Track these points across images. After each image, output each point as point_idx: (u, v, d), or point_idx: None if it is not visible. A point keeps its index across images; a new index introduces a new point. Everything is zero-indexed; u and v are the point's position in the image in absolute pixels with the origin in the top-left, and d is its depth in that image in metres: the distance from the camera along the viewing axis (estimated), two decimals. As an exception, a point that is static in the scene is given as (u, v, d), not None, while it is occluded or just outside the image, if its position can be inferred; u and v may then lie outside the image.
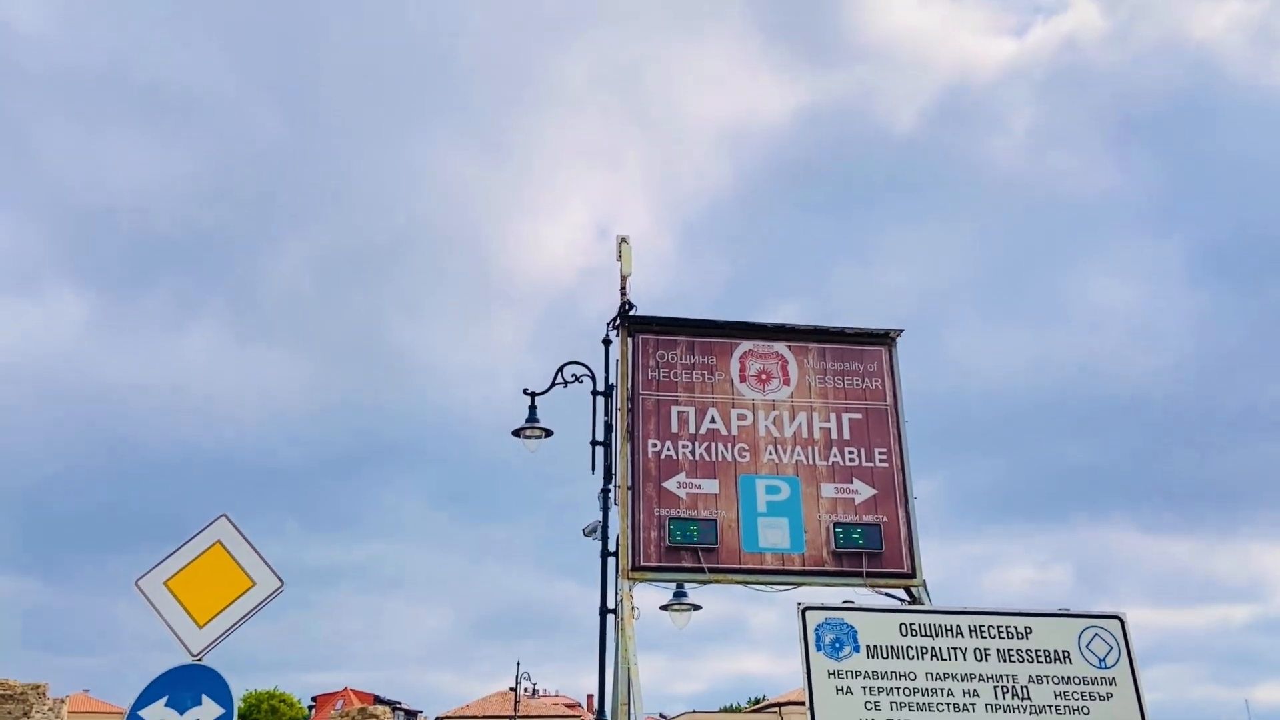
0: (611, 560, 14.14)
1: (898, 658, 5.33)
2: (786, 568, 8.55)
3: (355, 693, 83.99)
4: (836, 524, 8.64)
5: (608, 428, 14.45)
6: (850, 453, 8.98)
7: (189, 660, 5.94)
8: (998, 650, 5.55)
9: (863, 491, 8.84)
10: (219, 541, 6.23)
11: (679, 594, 14.35)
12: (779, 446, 8.95)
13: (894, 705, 5.19)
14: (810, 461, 8.92)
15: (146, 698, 5.85)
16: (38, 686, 63.58)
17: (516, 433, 14.35)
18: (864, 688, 5.23)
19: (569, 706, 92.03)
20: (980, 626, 5.53)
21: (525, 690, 55.99)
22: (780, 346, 9.28)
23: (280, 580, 6.17)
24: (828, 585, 8.54)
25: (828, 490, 8.83)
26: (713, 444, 8.91)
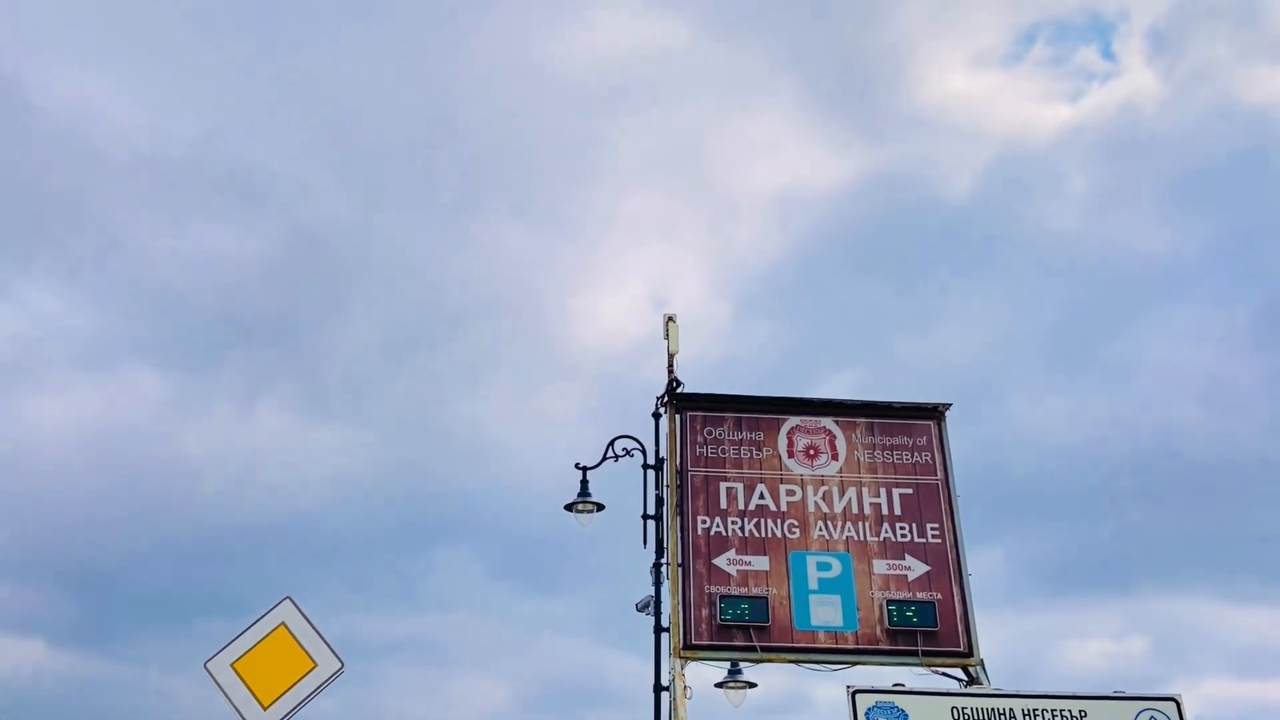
0: (664, 636, 14.09)
1: (952, 743, 5.29)
2: (840, 646, 8.50)
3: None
4: (890, 601, 8.58)
5: (659, 501, 14.51)
6: (902, 528, 8.96)
7: (253, 742, 6.10)
8: (1054, 734, 5.47)
9: (916, 568, 8.79)
10: (283, 624, 6.43)
11: (733, 671, 14.20)
12: (829, 522, 8.97)
13: (949, 792, 5.15)
14: (861, 538, 8.91)
15: (212, 778, 6.01)
16: (99, 761, 63.78)
17: (569, 507, 14.49)
18: (917, 773, 5.20)
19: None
20: (1034, 710, 5.45)
21: (580, 766, 54.93)
22: (827, 422, 9.35)
23: (341, 662, 6.33)
24: (882, 665, 8.45)
25: (880, 566, 8.80)
26: (762, 520, 8.96)
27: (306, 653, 6.33)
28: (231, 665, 6.30)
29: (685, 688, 8.28)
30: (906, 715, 5.29)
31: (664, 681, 13.72)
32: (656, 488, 14.55)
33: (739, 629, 8.45)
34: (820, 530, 8.95)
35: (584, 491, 14.57)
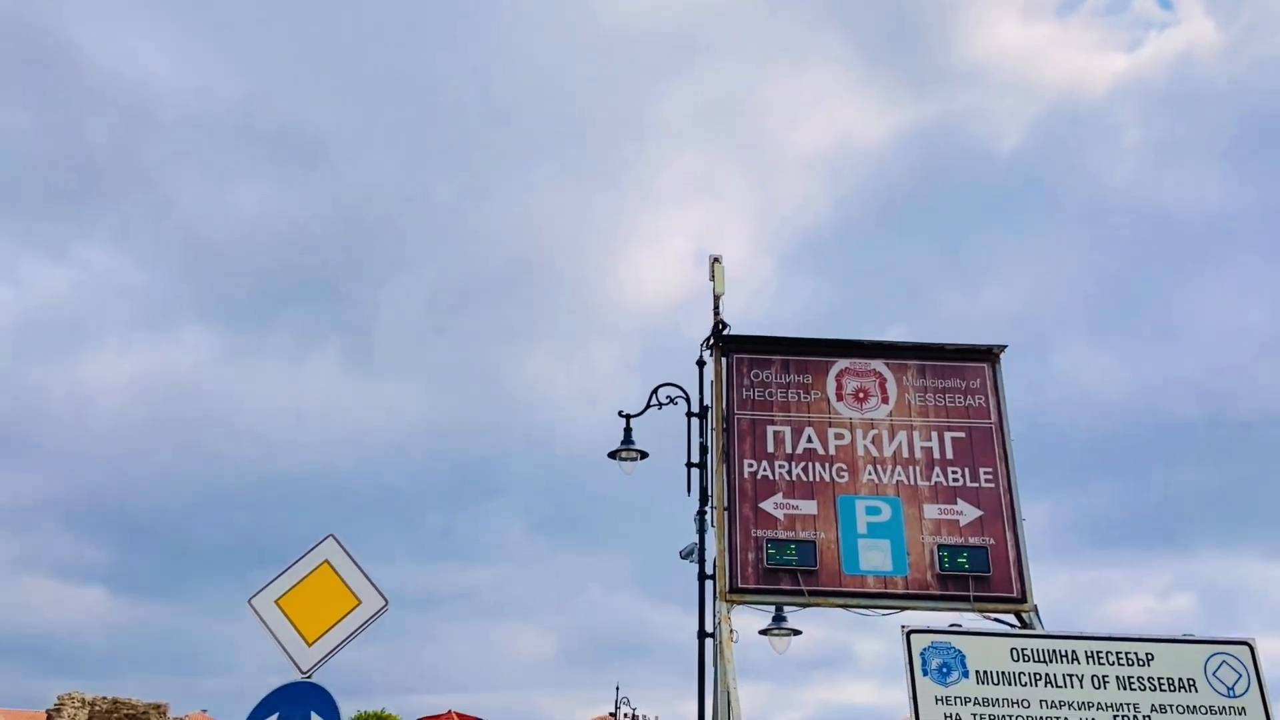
0: (709, 583, 14.02)
1: (1009, 684, 5.10)
2: (889, 591, 8.32)
3: (459, 715, 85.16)
4: (941, 546, 8.37)
5: (703, 449, 14.38)
6: (954, 473, 8.72)
7: (298, 678, 6.10)
8: (1117, 677, 5.26)
9: (968, 513, 8.55)
10: (326, 561, 6.40)
11: (778, 618, 14.12)
12: (879, 466, 8.75)
13: (1007, 733, 4.97)
14: (912, 482, 8.69)
15: (259, 714, 6.02)
16: (159, 706, 66.25)
17: (613, 455, 14.41)
18: (974, 715, 5.02)
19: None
20: (1098, 652, 5.24)
21: (625, 715, 55.90)
22: (878, 364, 9.09)
23: (385, 599, 6.30)
24: (933, 610, 8.26)
25: (931, 511, 8.58)
26: (810, 464, 8.77)
27: (350, 590, 6.29)
28: (275, 602, 6.29)
29: (731, 631, 8.16)
30: (963, 656, 5.12)
31: (709, 628, 13.69)
32: (700, 435, 14.41)
33: (786, 573, 8.30)
34: (869, 474, 8.74)
35: (627, 439, 14.48)
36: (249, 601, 6.29)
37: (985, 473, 8.72)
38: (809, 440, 8.85)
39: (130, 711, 64.14)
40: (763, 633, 13.63)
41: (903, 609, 8.30)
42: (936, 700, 5.06)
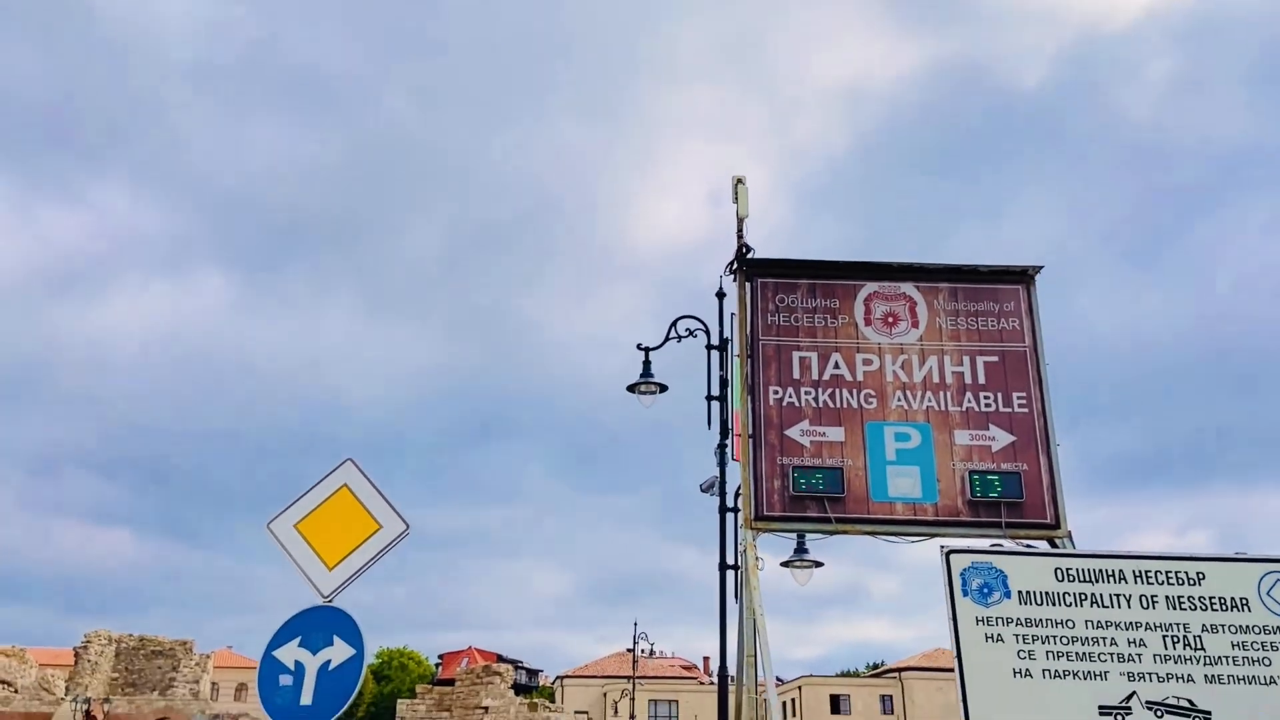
0: (730, 516, 13.92)
1: (1054, 604, 4.93)
2: (919, 518, 8.15)
3: (479, 651, 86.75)
4: (973, 472, 8.17)
5: (723, 382, 14.19)
6: (986, 398, 8.48)
7: (320, 602, 5.99)
8: (1167, 597, 5.07)
9: (1000, 438, 8.33)
10: (346, 485, 6.25)
11: (800, 550, 14.05)
12: (908, 392, 8.52)
13: (1050, 655, 4.80)
14: (942, 407, 8.46)
15: (280, 638, 5.93)
16: (185, 643, 67.69)
17: (631, 388, 14.24)
18: (1016, 636, 4.85)
19: (685, 668, 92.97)
20: (1147, 571, 5.04)
21: (643, 651, 56.75)
22: (908, 287, 8.81)
23: (405, 523, 6.16)
24: (963, 536, 8.08)
25: (962, 437, 8.36)
26: (837, 390, 8.54)
27: (370, 514, 6.15)
28: (294, 526, 6.15)
29: (757, 559, 8.02)
30: (1005, 576, 4.94)
31: (730, 560, 13.62)
32: (720, 368, 14.21)
33: (813, 500, 8.13)
34: (899, 400, 8.51)
35: (646, 372, 14.29)
36: (267, 526, 6.16)
37: (1019, 397, 8.48)
38: (836, 366, 8.62)
39: (156, 648, 65.46)
40: (784, 564, 13.56)
41: (932, 536, 8.13)
42: (977, 621, 4.89)
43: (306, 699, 5.68)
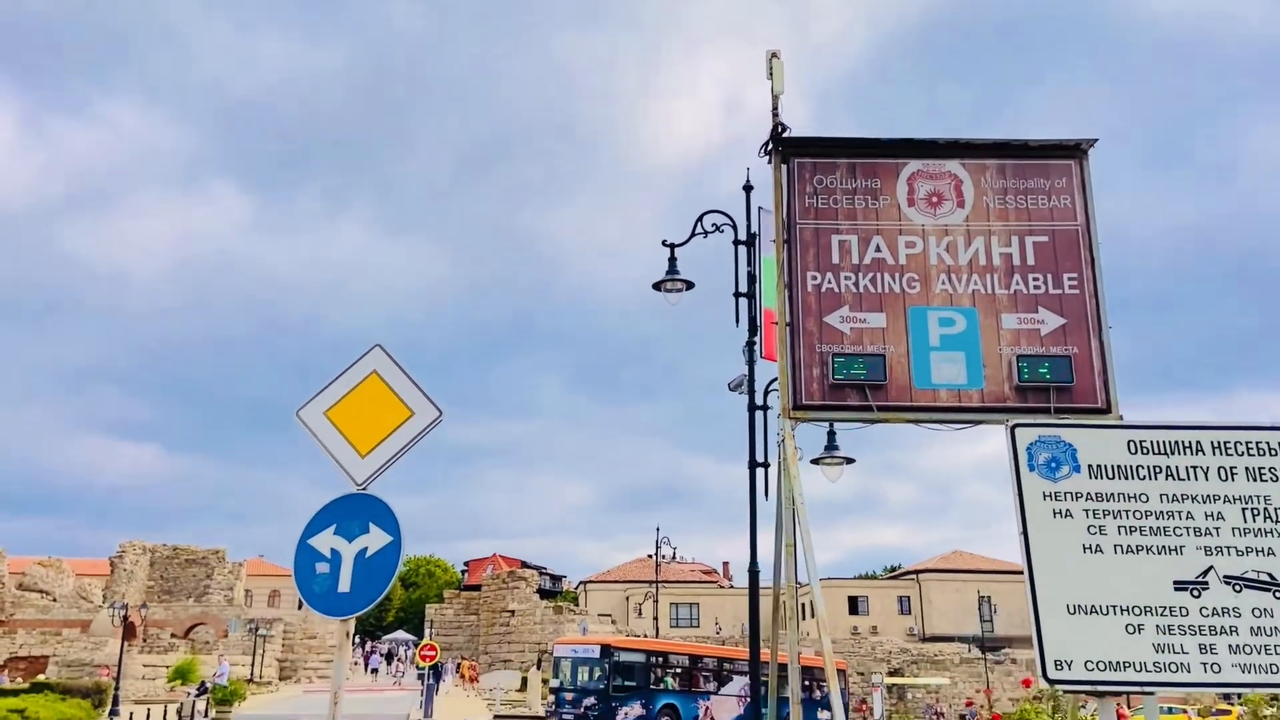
0: (759, 414, 13.74)
1: (1126, 478, 4.67)
2: (963, 405, 7.88)
3: (503, 558, 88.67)
4: (1020, 357, 7.86)
5: (750, 279, 13.85)
6: (1035, 279, 8.12)
7: (354, 490, 5.83)
8: (1247, 469, 4.80)
9: (1050, 321, 8.00)
10: (375, 371, 6.03)
11: (830, 446, 13.89)
12: (953, 275, 8.17)
13: (1122, 530, 4.57)
14: (989, 291, 8.11)
15: (315, 526, 5.78)
16: (217, 551, 69.21)
17: (657, 286, 13.92)
18: (1086, 510, 4.62)
19: (705, 573, 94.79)
20: (1226, 443, 4.77)
21: (664, 557, 57.73)
22: (953, 165, 8.37)
23: (439, 410, 5.95)
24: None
25: (1009, 321, 8.03)
26: (878, 275, 8.19)
27: (402, 401, 5.94)
28: (324, 413, 5.95)
29: (796, 449, 7.81)
30: (1074, 450, 4.68)
31: (759, 458, 13.48)
32: (749, 264, 13.85)
33: (853, 388, 7.86)
34: (943, 284, 8.17)
35: (672, 269, 13.96)
36: (297, 414, 5.97)
37: (1069, 279, 8.11)
38: (877, 250, 8.25)
39: (190, 557, 66.99)
40: (815, 461, 13.42)
41: (977, 423, 7.88)
42: (1044, 497, 4.65)
43: (344, 586, 5.56)
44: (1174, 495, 4.61)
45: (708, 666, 36.07)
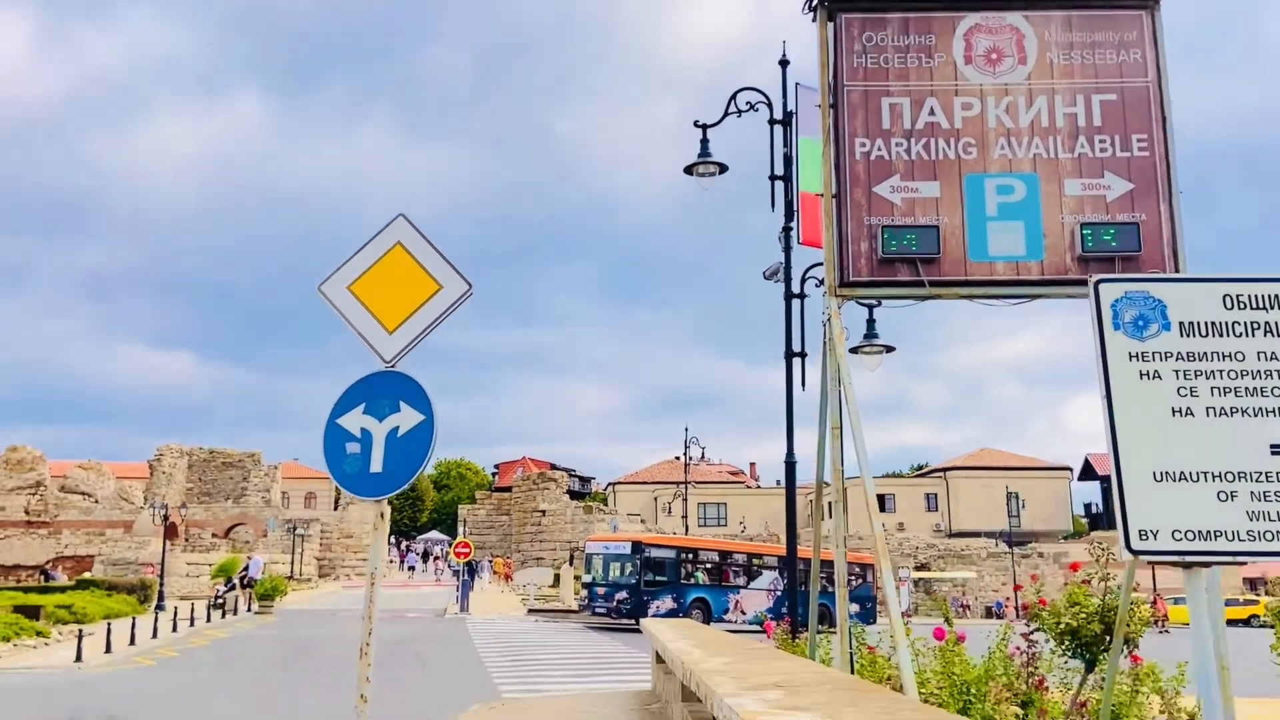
0: (796, 302, 13.32)
1: (1221, 335, 4.27)
2: (1022, 278, 7.43)
3: (533, 461, 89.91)
4: (1084, 225, 7.36)
5: (787, 160, 13.24)
6: (1101, 142, 7.55)
7: (382, 368, 5.54)
8: (1357, 324, 4.38)
9: (1116, 186, 7.46)
10: (399, 243, 5.67)
11: (869, 335, 13.50)
12: (1013, 139, 7.61)
13: (1215, 391, 4.19)
14: (1051, 155, 7.56)
15: (343, 406, 5.52)
16: (253, 455, 70.47)
17: (689, 169, 13.36)
18: (1176, 371, 4.23)
19: (732, 473, 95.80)
20: (1342, 307, 4.35)
21: (692, 459, 58.17)
22: (1015, 17, 7.71)
23: (468, 283, 5.60)
24: (1070, 297, 7.40)
25: (1073, 187, 7.50)
26: (932, 140, 7.64)
27: (429, 273, 5.59)
28: (348, 288, 5.63)
29: (843, 329, 7.42)
30: (1164, 306, 4.28)
31: (796, 347, 13.12)
32: (785, 145, 13.22)
33: (904, 262, 7.42)
34: (1002, 148, 7.62)
35: (704, 151, 13.36)
36: (319, 288, 5.64)
37: (1139, 140, 7.53)
38: (931, 113, 7.68)
39: (226, 460, 68.40)
40: (854, 350, 13.04)
41: (1036, 297, 7.44)
42: (1130, 357, 4.26)
43: (376, 466, 5.31)
44: (1273, 353, 4.21)
45: (737, 562, 36.54)
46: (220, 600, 33.45)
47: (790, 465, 12.64)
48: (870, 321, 12.93)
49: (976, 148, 7.59)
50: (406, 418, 5.34)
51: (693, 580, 34.94)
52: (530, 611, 38.93)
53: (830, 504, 8.12)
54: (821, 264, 12.95)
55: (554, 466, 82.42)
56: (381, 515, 5.33)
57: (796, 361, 12.77)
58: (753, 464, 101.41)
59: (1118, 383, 4.14)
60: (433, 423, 5.30)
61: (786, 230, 12.99)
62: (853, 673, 7.49)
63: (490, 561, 61.67)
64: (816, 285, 13.06)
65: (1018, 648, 8.96)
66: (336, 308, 5.57)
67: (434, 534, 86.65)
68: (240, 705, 15.25)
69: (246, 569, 38.17)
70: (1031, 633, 9.02)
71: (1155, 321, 4.21)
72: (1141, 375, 4.17)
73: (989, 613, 54.94)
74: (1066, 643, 8.45)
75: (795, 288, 13.04)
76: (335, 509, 71.16)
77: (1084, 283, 7.12)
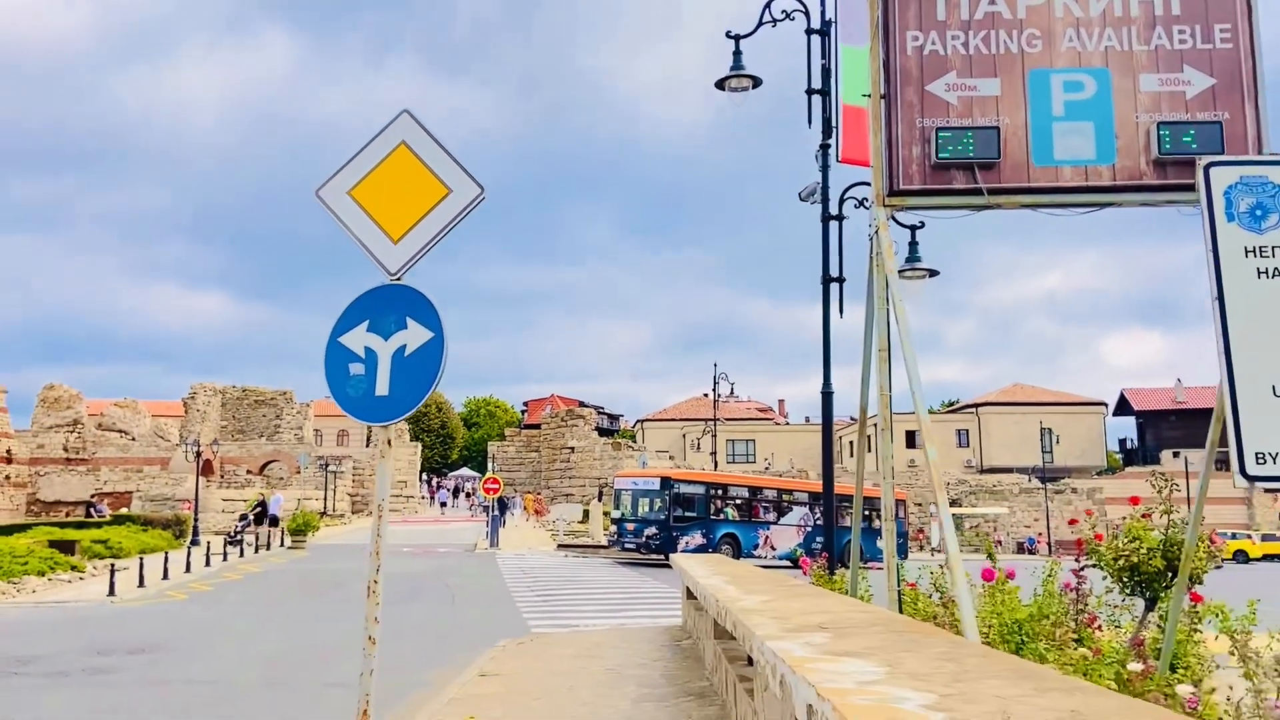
0: (833, 225, 12.64)
1: (1354, 226, 3.68)
2: (1091, 184, 6.75)
3: (561, 398, 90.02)
4: (1161, 124, 6.64)
5: (824, 73, 12.44)
6: (1180, 32, 6.79)
7: (386, 280, 5.03)
8: None
9: (1197, 82, 6.72)
10: (404, 143, 5.11)
11: (911, 258, 12.83)
12: (1082, 30, 6.86)
13: (1346, 291, 3.60)
14: (1125, 47, 6.81)
15: (346, 323, 5.03)
16: (285, 393, 70.91)
17: (720, 84, 12.61)
18: (1301, 269, 3.64)
19: (760, 410, 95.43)
20: None
21: (720, 396, 57.76)
22: (1087, -108, 6.91)
23: (480, 186, 5.05)
24: (1145, 205, 6.73)
25: (1148, 83, 6.77)
26: (992, 33, 6.91)
27: (436, 176, 5.04)
28: (349, 193, 5.09)
29: (891, 242, 6.80)
30: (1284, 193, 3.67)
31: (834, 272, 12.47)
32: (822, 56, 12.41)
33: (960, 168, 6.75)
34: (1070, 40, 6.88)
35: (737, 64, 12.59)
36: (317, 193, 5.12)
37: (1221, 31, 6.76)
38: (992, 2, 6.94)
39: (259, 398, 68.91)
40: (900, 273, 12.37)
41: (1106, 205, 6.77)
42: (1246, 253, 3.68)
43: (382, 389, 4.84)
44: None
45: (768, 498, 36.27)
46: (238, 536, 33.44)
47: (827, 396, 12.10)
48: (913, 244, 12.25)
49: (1042, 40, 6.86)
50: (414, 335, 4.85)
51: (722, 516, 34.74)
52: (560, 547, 39.03)
53: (871, 436, 7.58)
54: (862, 183, 12.25)
55: (582, 404, 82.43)
56: (388, 441, 4.87)
57: (835, 288, 12.15)
58: (781, 401, 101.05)
59: (1231, 283, 3.55)
60: (443, 341, 4.81)
61: (825, 147, 12.26)
62: (900, 611, 7.03)
63: (520, 498, 62.03)
64: (856, 206, 12.38)
65: (1067, 584, 8.52)
66: (337, 215, 5.05)
67: (465, 471, 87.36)
68: (269, 634, 15.19)
69: (263, 505, 38.16)
70: (1082, 569, 8.58)
71: (1276, 212, 3.59)
72: (1259, 274, 3.58)
73: (1020, 548, 54.64)
74: (1125, 579, 7.95)
75: (834, 209, 12.35)
76: (367, 446, 71.74)
77: (1165, 188, 6.46)
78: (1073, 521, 7.26)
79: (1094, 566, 8.20)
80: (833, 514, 12.23)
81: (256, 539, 33.59)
